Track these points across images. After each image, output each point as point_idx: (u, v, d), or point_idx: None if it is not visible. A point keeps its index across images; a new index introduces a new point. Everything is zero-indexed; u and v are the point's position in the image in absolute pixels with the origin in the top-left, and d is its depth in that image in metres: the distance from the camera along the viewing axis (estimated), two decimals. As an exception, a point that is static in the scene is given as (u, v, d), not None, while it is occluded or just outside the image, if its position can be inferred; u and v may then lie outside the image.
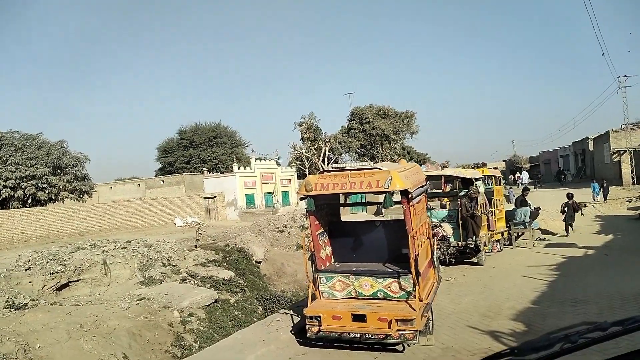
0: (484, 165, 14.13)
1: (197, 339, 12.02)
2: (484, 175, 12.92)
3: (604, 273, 9.81)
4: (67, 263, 14.65)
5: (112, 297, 13.67)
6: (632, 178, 32.79)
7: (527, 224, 13.85)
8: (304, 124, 44.14)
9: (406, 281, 6.07)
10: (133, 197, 42.75)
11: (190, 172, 47.57)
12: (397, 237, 6.60)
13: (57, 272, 14.21)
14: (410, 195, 5.91)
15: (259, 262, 19.01)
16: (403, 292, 6.11)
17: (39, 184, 33.14)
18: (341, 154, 50.32)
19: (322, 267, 6.59)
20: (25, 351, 8.92)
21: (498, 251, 12.97)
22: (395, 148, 51.85)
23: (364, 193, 6.08)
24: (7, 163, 31.17)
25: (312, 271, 6.50)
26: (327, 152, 43.88)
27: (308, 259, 6.52)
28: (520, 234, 14.56)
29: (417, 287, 5.88)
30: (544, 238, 14.83)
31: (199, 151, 51.08)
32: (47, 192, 33.97)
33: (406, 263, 6.10)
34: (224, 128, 54.26)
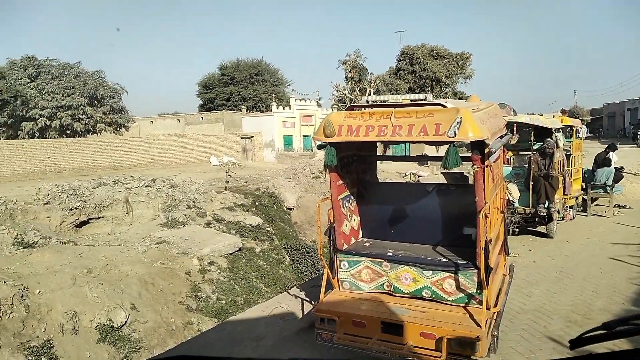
0: (564, 112, 11.48)
1: (215, 289, 10.90)
2: (564, 126, 10.38)
3: None
4: (88, 199, 13.85)
5: (132, 237, 12.81)
6: None
7: (608, 188, 11.34)
8: (348, 62, 41.12)
9: (468, 278, 4.06)
10: (173, 132, 41.82)
11: (230, 109, 46.03)
12: (457, 209, 4.54)
13: (76, 208, 13.44)
14: (487, 150, 3.80)
15: (291, 209, 17.64)
16: (462, 295, 4.12)
17: (76, 115, 32.39)
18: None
19: (345, 246, 4.64)
20: (22, 297, 7.89)
21: (570, 219, 10.64)
22: (447, 93, 48.29)
23: (415, 142, 3.96)
24: (44, 92, 30.40)
25: (330, 251, 4.59)
26: (372, 94, 41.09)
27: (324, 233, 4.60)
28: (595, 198, 12.08)
29: (484, 289, 3.87)
30: (625, 205, 12.29)
31: (240, 88, 49.25)
32: (83, 123, 33.30)
33: (468, 248, 4.07)
34: (265, 65, 51.96)
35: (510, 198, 8.68)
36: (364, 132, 3.87)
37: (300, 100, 39.56)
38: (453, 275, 4.11)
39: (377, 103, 4.20)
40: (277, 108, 37.67)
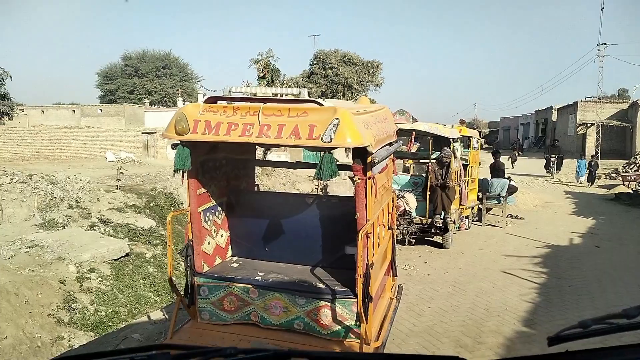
0: (462, 122, 11.50)
1: (94, 300, 9.64)
2: (462, 136, 10.32)
3: (606, 275, 7.58)
4: (-53, 198, 11.90)
5: (0, 240, 11.12)
6: (596, 152, 31.39)
7: (502, 199, 11.52)
8: (260, 62, 40.29)
9: (346, 308, 3.44)
10: (67, 124, 38.32)
11: (134, 103, 43.19)
12: (340, 224, 3.92)
13: None
14: (370, 159, 3.21)
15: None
16: (338, 327, 3.49)
17: (-50, 102, 28.63)
18: (299, 100, 46.88)
19: (206, 268, 3.85)
20: None
21: (466, 229, 10.64)
22: (357, 99, 48.96)
23: (286, 146, 3.29)
24: None
25: (187, 274, 3.79)
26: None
27: (179, 253, 3.82)
28: (489, 208, 12.27)
29: (363, 323, 3.26)
30: (517, 216, 12.63)
31: (145, 81, 46.43)
32: (-41, 111, 29.56)
33: (350, 271, 3.45)
34: (174, 58, 49.53)
35: (407, 208, 8.37)
36: (225, 131, 3.12)
37: (209, 97, 38.01)
38: (329, 304, 3.47)
39: (246, 95, 3.47)
40: (184, 103, 35.83)
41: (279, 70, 45.50)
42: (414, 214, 8.70)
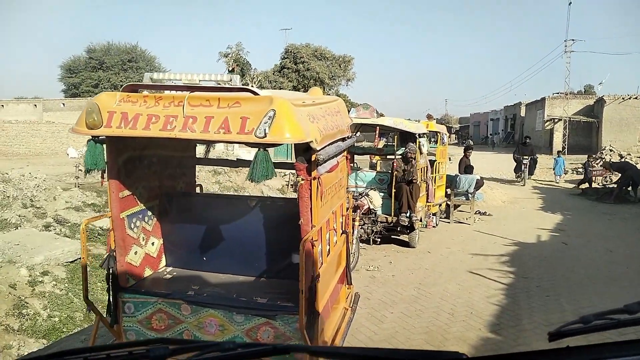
0: (430, 117, 11.17)
1: (48, 305, 8.96)
2: (430, 131, 10.03)
3: (574, 274, 7.38)
4: None
5: None
6: (563, 148, 31.79)
7: (470, 195, 11.30)
8: (230, 56, 39.51)
9: (289, 326, 3.04)
10: (27, 119, 36.85)
11: (98, 97, 41.84)
12: (288, 229, 3.52)
13: None
14: (315, 157, 2.81)
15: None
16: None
17: None
18: (271, 95, 46.24)
19: (132, 282, 3.40)
20: None
21: (433, 226, 10.38)
22: (329, 94, 48.59)
23: (214, 142, 2.86)
24: None
25: (109, 289, 3.33)
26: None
27: (101, 266, 3.36)
28: (457, 205, 12.05)
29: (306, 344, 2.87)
30: (485, 212, 12.46)
31: (110, 74, 45.08)
32: None
33: (297, 281, 3.04)
34: (141, 51, 48.35)
35: (372, 206, 8.02)
36: (144, 124, 2.67)
37: (176, 91, 37.03)
38: (270, 321, 3.07)
39: (168, 84, 3.01)
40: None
41: (250, 64, 44.85)
42: (379, 212, 8.36)
